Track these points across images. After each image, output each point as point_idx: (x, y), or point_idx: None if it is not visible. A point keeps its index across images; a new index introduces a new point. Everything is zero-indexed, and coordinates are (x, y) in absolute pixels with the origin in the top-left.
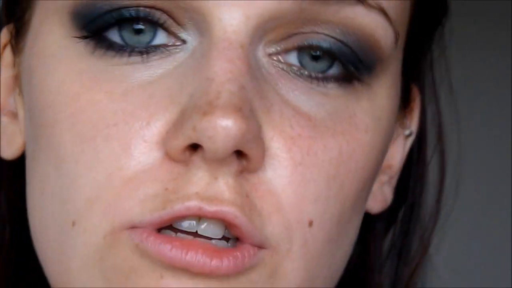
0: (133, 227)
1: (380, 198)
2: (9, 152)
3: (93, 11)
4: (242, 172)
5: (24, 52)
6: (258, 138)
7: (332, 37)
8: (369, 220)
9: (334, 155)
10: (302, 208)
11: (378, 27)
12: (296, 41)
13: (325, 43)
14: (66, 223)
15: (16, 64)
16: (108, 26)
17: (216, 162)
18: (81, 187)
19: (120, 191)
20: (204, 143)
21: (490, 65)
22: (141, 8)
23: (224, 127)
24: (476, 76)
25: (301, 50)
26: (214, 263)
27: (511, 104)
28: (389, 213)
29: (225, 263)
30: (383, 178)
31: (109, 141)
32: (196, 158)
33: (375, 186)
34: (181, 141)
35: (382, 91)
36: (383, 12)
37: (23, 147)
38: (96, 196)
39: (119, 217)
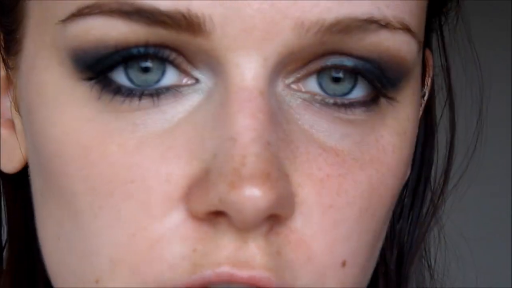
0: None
1: None
2: (10, 166)
3: (98, 50)
4: (273, 227)
5: (20, 70)
6: (288, 199)
7: (355, 57)
8: None
9: (365, 188)
10: (334, 251)
11: (403, 45)
12: (317, 65)
13: (349, 61)
14: (89, 279)
15: (9, 66)
16: (114, 65)
17: (248, 228)
18: (103, 246)
19: (145, 253)
20: (232, 214)
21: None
22: (150, 45)
23: (253, 201)
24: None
25: (320, 72)
26: None
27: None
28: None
29: None
30: None
31: (128, 200)
32: (224, 221)
33: None
34: (206, 207)
35: (407, 101)
36: (407, 29)
37: (24, 160)
38: (120, 257)
39: (148, 282)
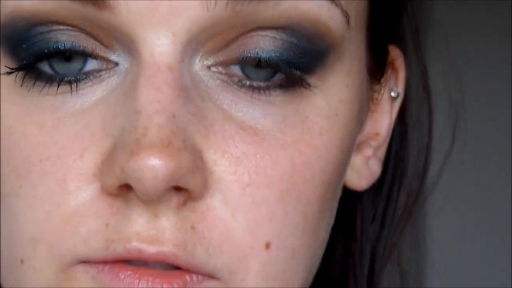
0: (83, 261)
1: (366, 175)
2: None
3: (15, 22)
4: (186, 203)
5: None
6: (194, 169)
7: (274, 37)
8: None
9: (286, 169)
10: (256, 232)
11: (322, 9)
12: (235, 52)
13: (265, 53)
14: (15, 260)
15: None
16: (39, 58)
17: (153, 199)
18: (23, 226)
19: (61, 229)
20: (134, 185)
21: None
22: (63, 35)
23: (150, 168)
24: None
25: (242, 62)
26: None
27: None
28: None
29: (175, 286)
30: (367, 151)
31: (44, 176)
32: (135, 196)
33: (360, 163)
34: (113, 181)
35: (339, 82)
36: None
37: None
38: (38, 235)
39: (65, 256)
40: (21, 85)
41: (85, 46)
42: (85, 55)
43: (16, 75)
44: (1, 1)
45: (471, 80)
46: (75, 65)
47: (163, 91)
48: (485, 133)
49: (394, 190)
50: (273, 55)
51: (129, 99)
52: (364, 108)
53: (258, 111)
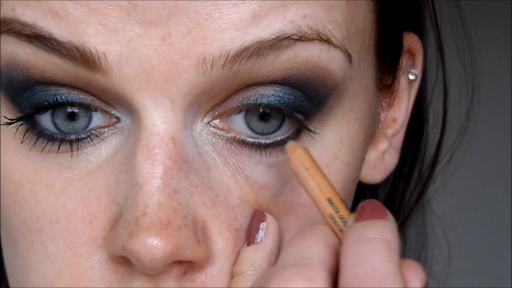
0: None
1: (380, 169)
2: None
3: (10, 69)
4: (187, 273)
5: None
6: (194, 245)
7: (273, 83)
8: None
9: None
10: None
11: (322, 53)
12: (235, 101)
13: (264, 98)
14: None
15: None
16: (40, 110)
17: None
18: (33, 279)
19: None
20: (134, 262)
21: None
22: (62, 88)
23: (148, 251)
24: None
25: (245, 111)
26: None
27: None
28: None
29: None
30: (383, 145)
31: (54, 238)
32: None
33: (375, 158)
34: (115, 252)
35: (339, 121)
36: (325, 40)
37: None
38: None
39: None
40: (22, 142)
41: (83, 99)
42: (86, 108)
43: (17, 129)
44: None
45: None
46: (80, 123)
47: (165, 165)
48: (485, 133)
49: (404, 172)
50: (272, 99)
51: (131, 168)
52: (373, 124)
53: (259, 182)
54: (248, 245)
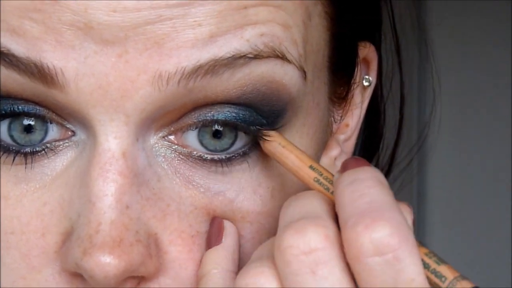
0: None
1: None
2: None
3: None
4: (140, 284)
5: None
6: (147, 259)
7: (228, 103)
8: None
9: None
10: None
11: (276, 67)
12: (191, 118)
13: (220, 114)
14: None
15: None
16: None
17: None
18: None
19: None
20: (87, 279)
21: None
22: (20, 101)
23: (101, 269)
24: (475, 76)
25: (200, 128)
26: None
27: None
28: None
29: None
30: (334, 152)
31: (9, 249)
32: None
33: (326, 164)
34: (69, 267)
35: (293, 135)
36: (278, 56)
37: None
38: None
39: None
40: None
41: (40, 111)
42: (43, 120)
43: None
44: None
45: (472, 79)
46: (36, 135)
47: (117, 182)
48: (485, 132)
49: None
50: (229, 115)
51: (84, 184)
52: (324, 136)
53: (212, 189)
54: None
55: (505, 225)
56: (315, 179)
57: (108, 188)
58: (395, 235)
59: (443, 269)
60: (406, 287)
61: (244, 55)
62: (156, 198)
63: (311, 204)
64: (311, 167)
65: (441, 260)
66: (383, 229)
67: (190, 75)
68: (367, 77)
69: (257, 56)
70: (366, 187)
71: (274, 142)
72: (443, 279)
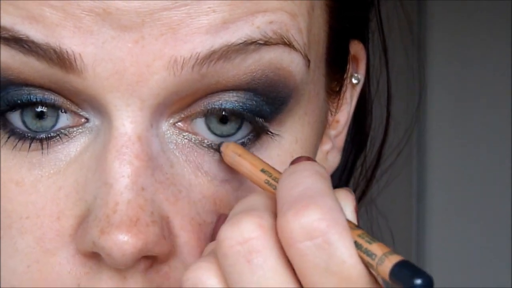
0: None
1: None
2: None
3: None
4: (153, 265)
5: None
6: (161, 240)
7: (238, 89)
8: None
9: None
10: None
11: (283, 55)
12: (200, 106)
13: (228, 103)
14: None
15: None
16: (13, 107)
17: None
18: (6, 273)
19: (39, 283)
20: (104, 257)
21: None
22: (35, 89)
23: (119, 247)
24: (475, 75)
25: (207, 114)
26: None
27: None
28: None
29: None
30: (326, 146)
31: (24, 233)
32: None
33: (319, 158)
34: (86, 248)
35: (295, 123)
36: (288, 45)
37: None
38: (18, 285)
39: None
40: None
41: (55, 100)
42: (56, 108)
43: None
44: None
45: (472, 79)
46: (48, 122)
47: (133, 164)
48: (485, 132)
49: (344, 176)
50: (236, 105)
51: (100, 168)
52: (322, 127)
53: (219, 176)
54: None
55: (505, 225)
56: (266, 181)
57: (124, 170)
58: (324, 219)
59: (374, 247)
60: (339, 269)
61: (255, 41)
62: (169, 183)
63: (252, 201)
64: (262, 170)
65: (373, 239)
66: (312, 213)
67: (203, 60)
68: (356, 75)
69: (267, 43)
70: (302, 177)
71: (231, 152)
72: (373, 256)
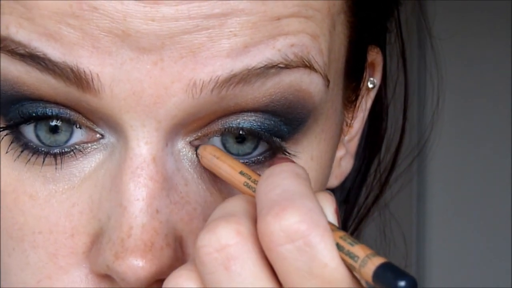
0: None
1: (337, 174)
2: None
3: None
4: None
5: None
6: (175, 263)
7: (256, 111)
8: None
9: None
10: None
11: (303, 77)
12: (217, 125)
13: (246, 123)
14: None
15: None
16: (27, 120)
17: None
18: (14, 284)
19: None
20: (118, 282)
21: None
22: (50, 104)
23: (134, 272)
24: (475, 75)
25: (223, 133)
26: None
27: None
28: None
29: None
30: (340, 152)
31: (36, 248)
32: None
33: (333, 166)
34: (99, 269)
35: (311, 141)
36: (306, 65)
37: None
38: None
39: None
40: (7, 152)
41: (70, 114)
42: (71, 123)
43: (2, 138)
44: None
45: (472, 79)
46: (61, 136)
47: (148, 187)
48: (485, 132)
49: (357, 180)
50: (254, 124)
51: (115, 187)
52: (338, 139)
53: (235, 191)
54: None
55: (505, 225)
56: (245, 183)
57: (139, 193)
58: (304, 222)
59: (356, 249)
60: (320, 272)
61: (276, 65)
62: (184, 202)
63: (231, 206)
64: (241, 172)
65: (355, 242)
66: (292, 216)
67: (223, 83)
68: (372, 79)
69: (288, 66)
70: (280, 179)
71: (209, 155)
72: (355, 258)
